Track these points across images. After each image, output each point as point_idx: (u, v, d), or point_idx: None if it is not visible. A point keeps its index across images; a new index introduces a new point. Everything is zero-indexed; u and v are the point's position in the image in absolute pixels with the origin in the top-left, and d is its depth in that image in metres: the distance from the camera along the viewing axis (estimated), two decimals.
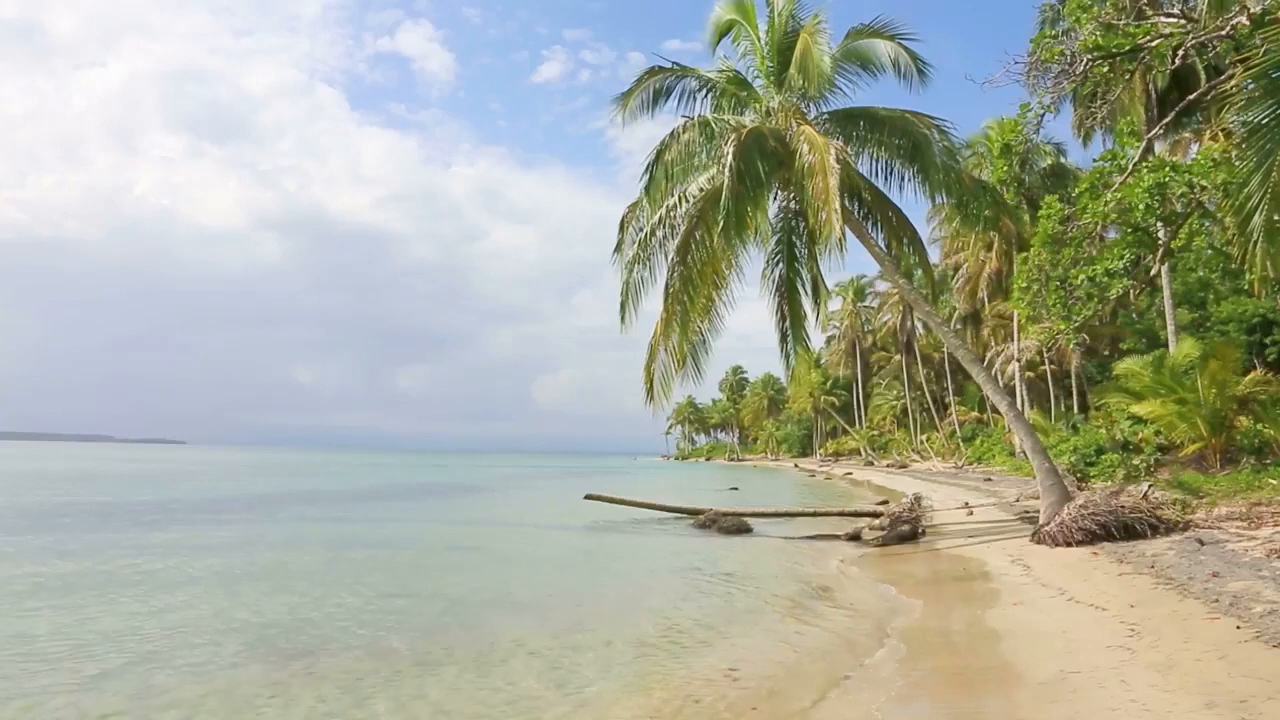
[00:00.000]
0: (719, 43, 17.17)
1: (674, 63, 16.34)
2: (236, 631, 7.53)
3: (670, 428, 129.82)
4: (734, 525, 16.31)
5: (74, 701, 5.45)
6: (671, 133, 15.33)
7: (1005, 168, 12.83)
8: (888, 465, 54.07)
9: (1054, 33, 11.54)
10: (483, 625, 8.17)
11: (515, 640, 7.27)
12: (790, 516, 18.72)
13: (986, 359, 40.12)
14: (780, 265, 16.95)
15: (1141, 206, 10.49)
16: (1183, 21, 9.91)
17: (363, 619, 8.13)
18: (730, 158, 13.86)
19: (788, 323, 16.84)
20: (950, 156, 15.35)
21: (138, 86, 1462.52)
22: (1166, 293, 24.33)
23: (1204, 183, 9.90)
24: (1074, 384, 39.54)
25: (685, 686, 5.90)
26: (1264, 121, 7.63)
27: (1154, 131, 13.67)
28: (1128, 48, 10.34)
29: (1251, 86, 7.84)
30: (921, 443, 58.64)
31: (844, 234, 13.89)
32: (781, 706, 5.39)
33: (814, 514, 18.46)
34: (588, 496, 20.90)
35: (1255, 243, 8.13)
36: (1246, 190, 7.96)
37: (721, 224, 13.82)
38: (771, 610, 8.88)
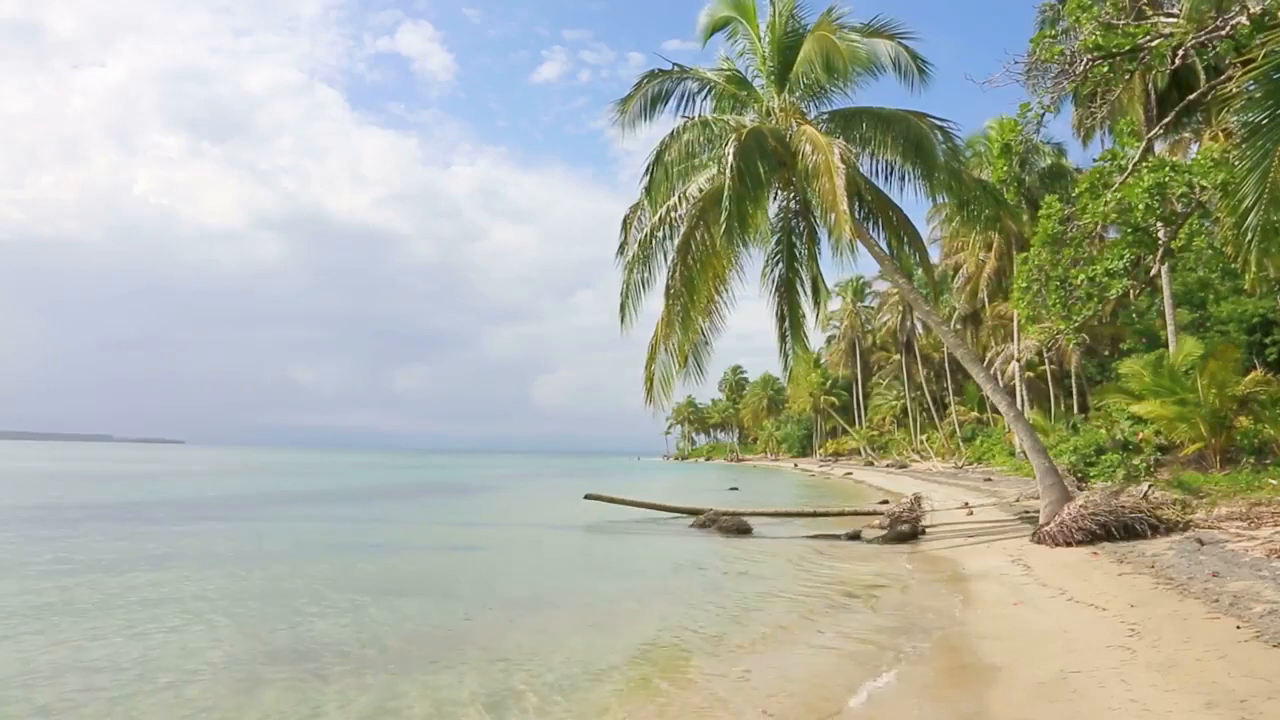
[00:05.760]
0: (710, 38, 17.15)
1: (674, 64, 16.34)
2: (240, 635, 7.55)
3: (670, 428, 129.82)
4: (734, 525, 16.30)
5: (74, 705, 5.46)
6: (671, 133, 15.33)
7: (1005, 167, 12.86)
8: (887, 465, 54.02)
9: (1054, 33, 11.51)
10: (488, 625, 8.18)
11: (522, 640, 7.29)
12: (790, 516, 18.76)
13: (986, 359, 40.12)
14: (780, 265, 16.94)
15: (1141, 206, 10.49)
16: (1182, 21, 9.90)
17: (369, 621, 8.12)
18: (732, 158, 13.85)
19: (787, 323, 16.83)
20: (953, 156, 15.35)
21: (137, 86, 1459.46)
22: (1166, 293, 24.32)
23: (1204, 183, 9.90)
24: (1074, 384, 39.55)
25: (693, 686, 5.92)
26: (1263, 123, 7.63)
27: (1154, 131, 13.65)
28: (1128, 48, 10.34)
29: (1252, 88, 7.84)
30: (921, 443, 58.64)
31: (854, 236, 13.89)
32: (787, 706, 5.40)
33: (814, 514, 18.49)
34: (588, 496, 20.94)
35: (1250, 242, 8.14)
36: (1242, 190, 7.96)
37: (724, 224, 13.81)
38: (773, 611, 8.86)
